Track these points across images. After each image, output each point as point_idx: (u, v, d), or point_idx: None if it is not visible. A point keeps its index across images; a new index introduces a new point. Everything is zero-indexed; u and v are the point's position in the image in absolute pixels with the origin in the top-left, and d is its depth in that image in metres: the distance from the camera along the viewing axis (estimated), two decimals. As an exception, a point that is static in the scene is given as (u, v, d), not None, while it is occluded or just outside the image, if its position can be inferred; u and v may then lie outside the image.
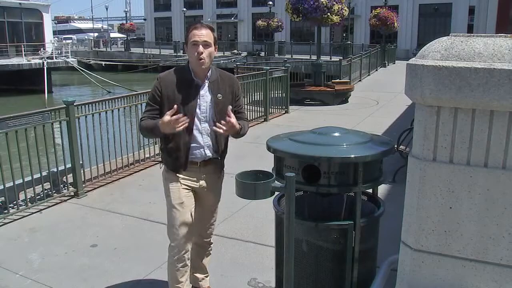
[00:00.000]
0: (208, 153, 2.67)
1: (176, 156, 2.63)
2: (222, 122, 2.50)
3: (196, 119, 2.62)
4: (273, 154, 2.39)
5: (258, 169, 2.07)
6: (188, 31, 2.60)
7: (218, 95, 2.64)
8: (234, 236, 4.11)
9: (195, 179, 2.71)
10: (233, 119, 2.50)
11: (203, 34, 2.54)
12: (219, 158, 2.73)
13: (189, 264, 2.76)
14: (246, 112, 9.02)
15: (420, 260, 1.79)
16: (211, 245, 3.01)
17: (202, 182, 2.73)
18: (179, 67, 2.74)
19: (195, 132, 2.63)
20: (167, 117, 2.38)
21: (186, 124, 2.45)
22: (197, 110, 2.62)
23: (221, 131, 2.50)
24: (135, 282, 3.38)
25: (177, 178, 2.68)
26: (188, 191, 2.70)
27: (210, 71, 2.66)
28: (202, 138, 2.65)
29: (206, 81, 2.64)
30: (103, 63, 38.00)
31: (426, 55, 1.66)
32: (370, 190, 2.53)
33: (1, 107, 17.29)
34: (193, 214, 2.70)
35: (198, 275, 3.01)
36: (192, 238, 2.76)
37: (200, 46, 2.52)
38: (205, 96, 2.63)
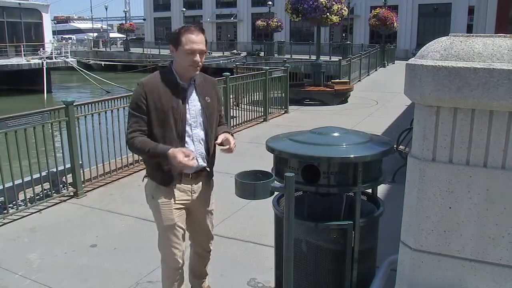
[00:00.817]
0: (201, 162, 2.50)
1: (168, 168, 2.39)
2: (224, 145, 2.43)
3: (186, 125, 2.43)
4: (272, 154, 2.39)
5: (257, 169, 2.07)
6: (180, 34, 2.36)
7: (206, 98, 2.49)
8: (234, 236, 4.11)
9: (188, 192, 2.53)
10: (232, 142, 2.44)
11: (201, 41, 2.35)
12: (210, 167, 2.59)
13: (183, 277, 2.70)
14: (244, 112, 9.14)
15: (419, 260, 1.79)
16: (211, 251, 2.89)
17: (195, 195, 2.56)
18: (161, 70, 2.52)
19: (187, 139, 2.44)
20: (182, 158, 2.23)
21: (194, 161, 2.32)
22: (187, 115, 2.43)
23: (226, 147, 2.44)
24: (135, 282, 3.37)
25: (168, 195, 2.48)
26: (180, 210, 2.53)
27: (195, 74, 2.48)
28: (194, 145, 2.46)
29: (192, 83, 2.46)
30: (103, 63, 38.00)
31: (426, 55, 1.67)
32: (370, 190, 2.53)
33: (0, 107, 17.27)
34: (185, 232, 2.60)
35: (199, 280, 2.95)
36: (184, 254, 2.64)
37: (198, 56, 2.35)
38: (193, 100, 2.46)
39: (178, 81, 2.43)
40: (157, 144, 2.34)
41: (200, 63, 2.39)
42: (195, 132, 2.47)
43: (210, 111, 2.50)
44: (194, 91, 2.47)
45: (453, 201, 1.69)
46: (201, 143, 2.49)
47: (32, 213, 4.72)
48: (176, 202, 2.51)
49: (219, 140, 2.47)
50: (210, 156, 2.54)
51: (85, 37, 56.92)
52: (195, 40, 2.33)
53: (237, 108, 9.33)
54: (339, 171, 2.21)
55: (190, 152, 2.31)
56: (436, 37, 1.87)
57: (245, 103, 9.55)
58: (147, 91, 2.37)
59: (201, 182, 2.58)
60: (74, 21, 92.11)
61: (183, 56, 2.36)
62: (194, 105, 2.46)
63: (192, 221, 2.67)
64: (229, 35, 48.50)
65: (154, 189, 2.51)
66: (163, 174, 2.44)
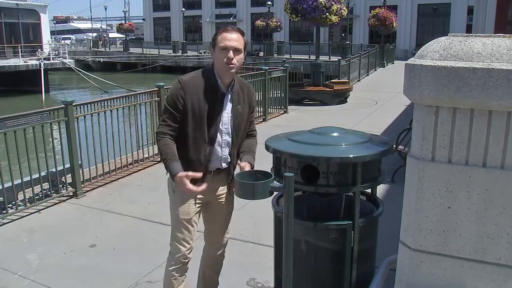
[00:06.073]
0: (224, 165, 2.55)
1: (193, 170, 2.42)
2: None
3: (218, 131, 2.47)
4: (272, 154, 2.39)
5: (257, 169, 2.07)
6: (217, 34, 2.42)
7: (238, 107, 2.49)
8: (233, 236, 4.09)
9: (208, 188, 2.53)
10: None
11: (234, 38, 2.36)
12: (232, 170, 2.63)
13: (186, 274, 2.69)
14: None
15: (418, 260, 1.79)
16: (223, 255, 2.83)
17: (214, 192, 2.60)
18: (203, 70, 2.49)
19: (216, 145, 2.48)
20: (189, 186, 2.31)
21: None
22: (220, 122, 2.46)
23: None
24: (134, 282, 3.37)
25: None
26: (198, 205, 2.58)
27: (234, 80, 2.49)
28: (221, 150, 2.50)
29: (229, 89, 2.47)
30: (101, 59, 38.04)
31: (425, 55, 1.67)
32: (369, 190, 2.53)
33: (-1, 107, 17.27)
34: (196, 229, 2.61)
35: None
36: (192, 251, 2.63)
37: (231, 52, 2.35)
38: (228, 107, 2.48)
39: (219, 85, 2.43)
40: (173, 158, 2.37)
41: (234, 61, 2.37)
42: (225, 138, 2.51)
43: (239, 120, 2.52)
44: (230, 97, 2.49)
45: (452, 201, 1.70)
46: (226, 148, 2.53)
47: (31, 213, 4.72)
48: (195, 201, 2.55)
49: (245, 168, 2.46)
50: (232, 160, 2.58)
51: (85, 37, 56.88)
52: (229, 37, 2.36)
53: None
54: (338, 171, 2.21)
55: (200, 175, 2.38)
56: (435, 37, 1.87)
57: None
58: (186, 91, 2.38)
59: (221, 178, 2.61)
60: (74, 21, 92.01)
61: (218, 54, 2.38)
62: (227, 112, 2.49)
63: (209, 215, 2.69)
64: (228, 35, 48.41)
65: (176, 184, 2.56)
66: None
